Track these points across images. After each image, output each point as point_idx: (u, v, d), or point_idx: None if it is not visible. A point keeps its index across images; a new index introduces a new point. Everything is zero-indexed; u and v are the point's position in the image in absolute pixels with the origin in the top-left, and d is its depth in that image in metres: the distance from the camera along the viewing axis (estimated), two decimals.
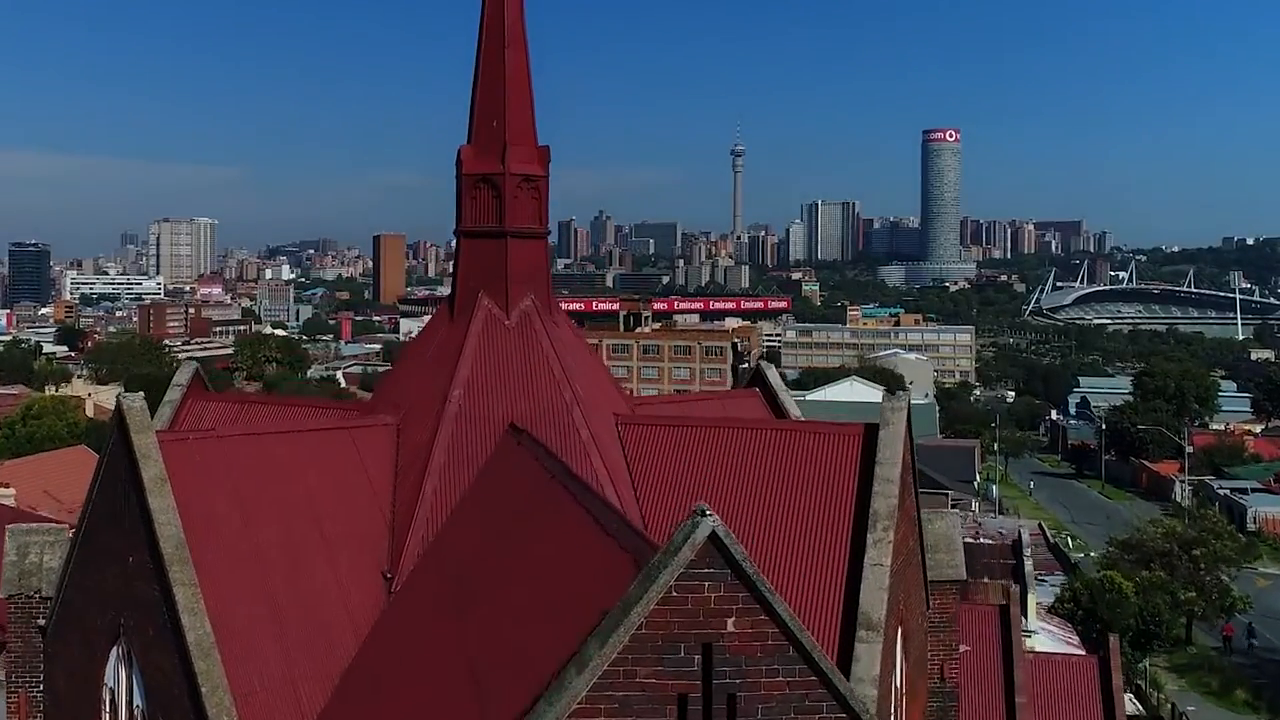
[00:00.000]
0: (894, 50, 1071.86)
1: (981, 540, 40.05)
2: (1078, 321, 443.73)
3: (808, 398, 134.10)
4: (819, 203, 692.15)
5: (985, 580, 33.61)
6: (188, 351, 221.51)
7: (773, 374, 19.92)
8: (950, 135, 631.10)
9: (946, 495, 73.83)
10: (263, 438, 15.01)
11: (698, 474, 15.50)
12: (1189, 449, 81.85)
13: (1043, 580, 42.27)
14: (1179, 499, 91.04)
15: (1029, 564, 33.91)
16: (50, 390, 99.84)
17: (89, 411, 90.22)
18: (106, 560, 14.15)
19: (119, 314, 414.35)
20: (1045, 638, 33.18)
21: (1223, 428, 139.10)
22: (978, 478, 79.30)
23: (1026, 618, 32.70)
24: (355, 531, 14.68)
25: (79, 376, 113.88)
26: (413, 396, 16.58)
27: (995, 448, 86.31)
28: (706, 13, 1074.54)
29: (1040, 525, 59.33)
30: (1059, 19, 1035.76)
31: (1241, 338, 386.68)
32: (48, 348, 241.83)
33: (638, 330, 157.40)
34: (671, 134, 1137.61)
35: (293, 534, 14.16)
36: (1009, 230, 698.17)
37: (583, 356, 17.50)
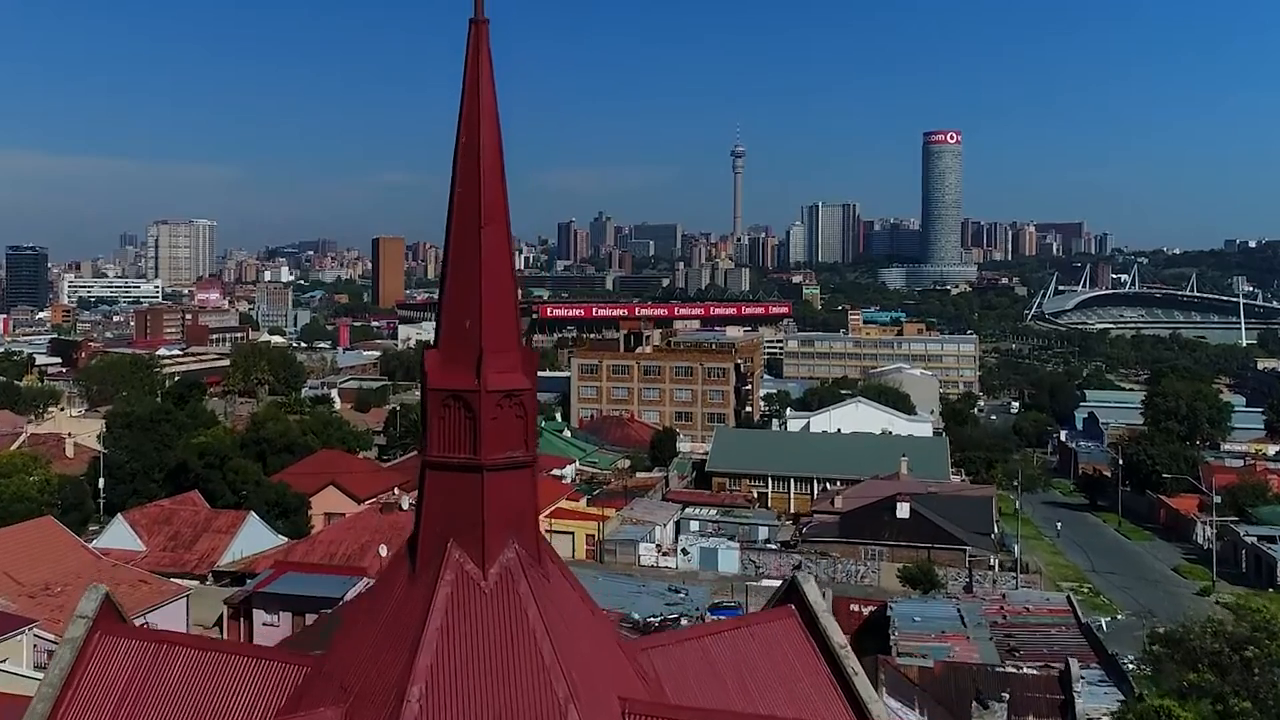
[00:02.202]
0: (895, 51, 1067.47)
1: (1025, 670, 36.39)
2: (1080, 326, 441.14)
3: (813, 423, 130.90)
4: (819, 204, 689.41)
5: (1031, 718, 30.23)
6: (182, 364, 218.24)
7: (811, 589, 16.37)
8: (951, 137, 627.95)
9: (964, 550, 70.61)
10: None
11: None
12: (1216, 500, 78.11)
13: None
14: (1201, 542, 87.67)
15: (1080, 701, 30.37)
16: (32, 426, 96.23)
17: (69, 452, 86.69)
18: None
19: (116, 318, 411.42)
20: None
21: (1240, 451, 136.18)
22: (995, 529, 75.75)
23: None
24: None
25: (63, 408, 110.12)
26: (362, 680, 13.00)
27: (1016, 506, 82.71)
28: (707, 13, 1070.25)
29: (1069, 598, 55.70)
30: (1060, 20, 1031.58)
31: (1245, 343, 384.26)
32: (40, 359, 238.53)
33: (638, 350, 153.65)
34: (671, 134, 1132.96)
35: None
36: (1010, 232, 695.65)
37: (581, 622, 13.79)
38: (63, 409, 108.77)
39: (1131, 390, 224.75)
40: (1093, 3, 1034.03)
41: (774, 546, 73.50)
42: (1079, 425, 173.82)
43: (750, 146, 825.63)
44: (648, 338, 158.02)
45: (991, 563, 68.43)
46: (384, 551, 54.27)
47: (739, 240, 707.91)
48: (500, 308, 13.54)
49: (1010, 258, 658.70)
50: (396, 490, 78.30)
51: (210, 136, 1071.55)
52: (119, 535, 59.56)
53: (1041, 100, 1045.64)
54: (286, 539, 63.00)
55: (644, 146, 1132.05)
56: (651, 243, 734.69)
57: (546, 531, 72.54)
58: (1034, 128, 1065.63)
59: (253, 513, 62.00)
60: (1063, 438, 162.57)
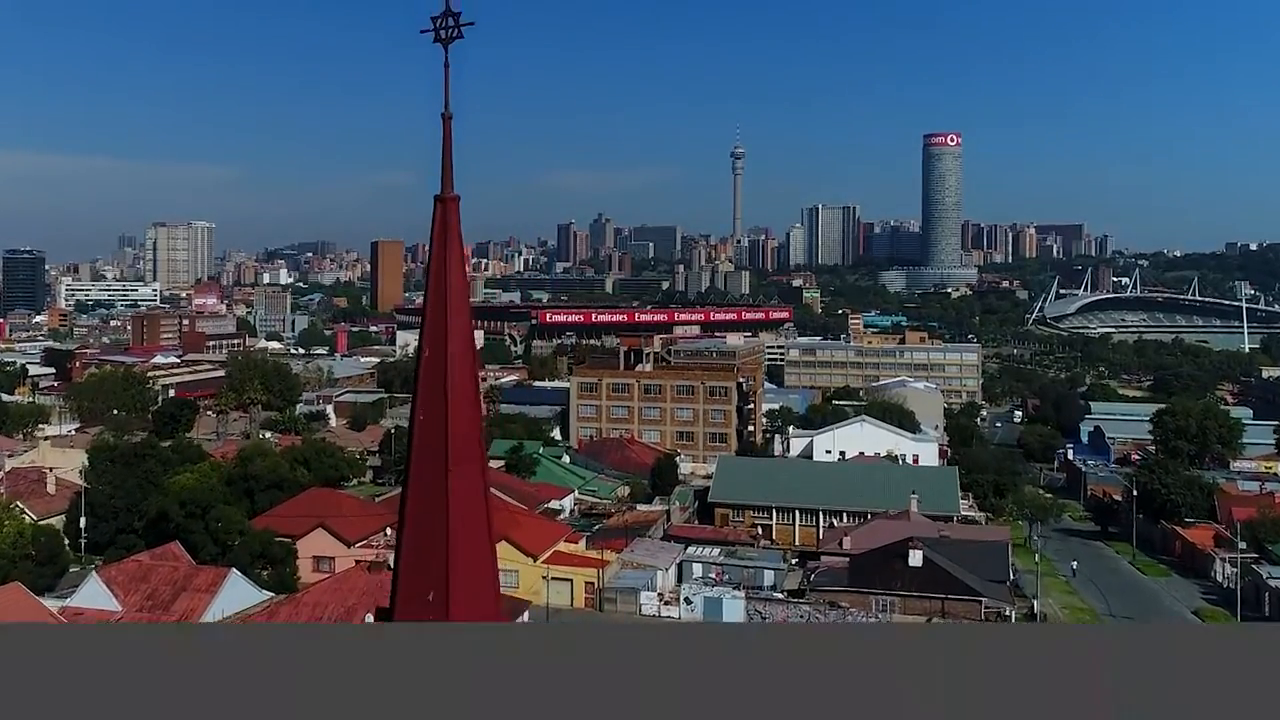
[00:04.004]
0: (895, 53, 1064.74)
1: None
2: (1082, 331, 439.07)
3: (816, 442, 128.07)
4: (819, 206, 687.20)
5: None
6: (177, 375, 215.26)
7: None
8: (951, 139, 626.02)
9: (979, 603, 67.73)
10: None
11: None
12: (1241, 546, 75.34)
13: None
14: (1221, 580, 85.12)
15: None
16: (14, 460, 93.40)
17: (50, 488, 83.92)
18: None
19: (113, 323, 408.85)
20: None
21: (1252, 470, 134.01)
22: (1011, 575, 73.02)
23: None
24: None
25: (47, 438, 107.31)
26: None
27: (1026, 537, 79.98)
28: (707, 14, 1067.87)
29: None
30: (1060, 22, 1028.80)
31: (1248, 348, 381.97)
32: (34, 369, 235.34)
33: (639, 368, 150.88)
34: (671, 135, 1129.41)
35: None
36: (1010, 234, 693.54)
37: None
38: (47, 439, 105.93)
39: (1136, 400, 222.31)
40: (1094, 5, 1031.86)
41: (781, 595, 70.73)
42: (1084, 439, 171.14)
43: (750, 147, 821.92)
44: (649, 355, 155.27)
45: (1008, 613, 65.69)
46: (370, 620, 51.47)
47: (739, 242, 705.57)
48: (474, 570, 10.67)
49: (1010, 260, 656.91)
50: (389, 531, 75.85)
51: (209, 137, 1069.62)
52: (93, 594, 56.75)
53: (1042, 102, 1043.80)
54: (271, 594, 60.27)
55: (644, 147, 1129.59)
56: (651, 244, 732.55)
57: (543, 579, 69.74)
58: (1034, 130, 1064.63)
59: (234, 570, 59.15)
60: (1070, 455, 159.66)
